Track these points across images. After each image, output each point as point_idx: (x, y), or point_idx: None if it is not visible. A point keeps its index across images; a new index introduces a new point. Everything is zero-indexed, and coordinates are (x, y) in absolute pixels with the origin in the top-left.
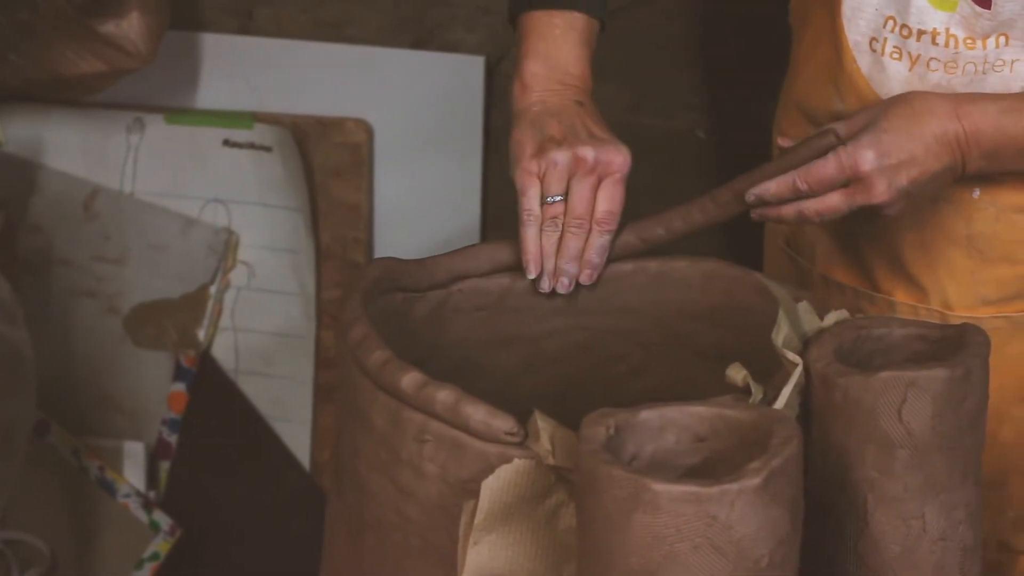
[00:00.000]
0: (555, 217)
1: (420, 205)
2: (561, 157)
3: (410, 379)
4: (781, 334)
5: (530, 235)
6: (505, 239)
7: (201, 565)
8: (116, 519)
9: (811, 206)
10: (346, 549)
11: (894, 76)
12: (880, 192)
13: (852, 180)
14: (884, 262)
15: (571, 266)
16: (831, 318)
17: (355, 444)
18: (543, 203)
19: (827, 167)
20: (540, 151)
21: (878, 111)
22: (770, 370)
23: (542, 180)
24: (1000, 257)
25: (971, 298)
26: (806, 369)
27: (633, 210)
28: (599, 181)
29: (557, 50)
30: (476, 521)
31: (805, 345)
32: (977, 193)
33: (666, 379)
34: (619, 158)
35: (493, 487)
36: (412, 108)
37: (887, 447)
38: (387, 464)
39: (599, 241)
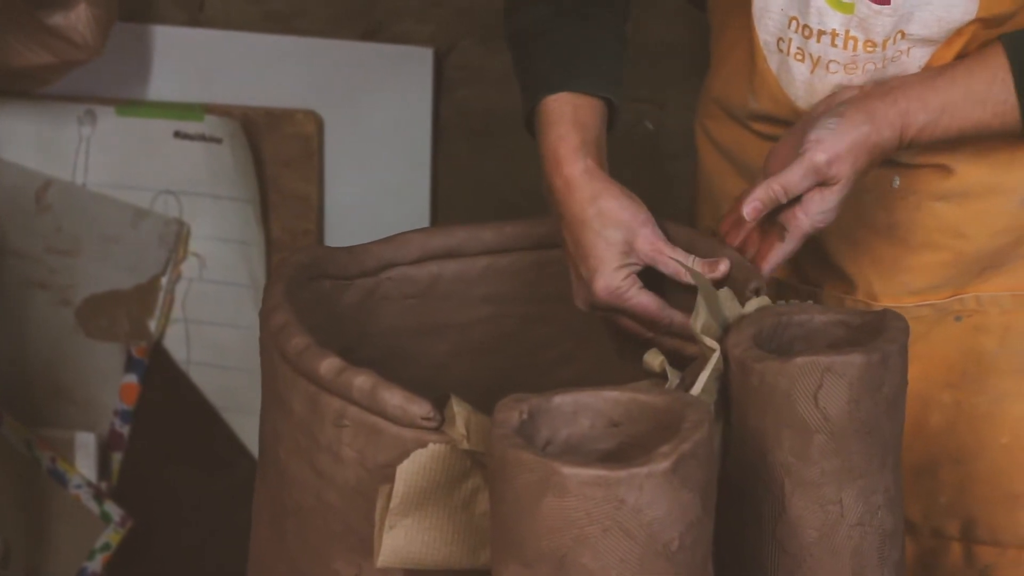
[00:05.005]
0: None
1: (370, 196)
2: (589, 309)
3: (328, 364)
4: (699, 320)
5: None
6: (436, 226)
7: (152, 555)
8: (68, 510)
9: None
10: (269, 534)
11: (798, 77)
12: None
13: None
14: (810, 253)
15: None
16: (752, 304)
17: (275, 430)
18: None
19: (792, 170)
20: None
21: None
22: (696, 356)
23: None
24: (922, 245)
25: (896, 287)
26: (724, 355)
27: None
28: (629, 296)
29: (544, 151)
30: (391, 505)
31: (725, 331)
32: (897, 182)
33: (595, 366)
34: (611, 278)
35: (408, 471)
36: (362, 99)
37: (804, 432)
38: (306, 449)
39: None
